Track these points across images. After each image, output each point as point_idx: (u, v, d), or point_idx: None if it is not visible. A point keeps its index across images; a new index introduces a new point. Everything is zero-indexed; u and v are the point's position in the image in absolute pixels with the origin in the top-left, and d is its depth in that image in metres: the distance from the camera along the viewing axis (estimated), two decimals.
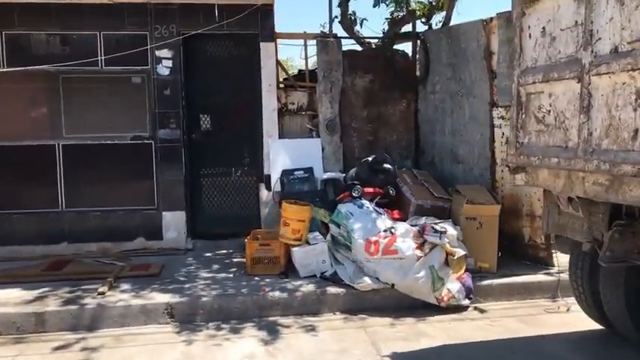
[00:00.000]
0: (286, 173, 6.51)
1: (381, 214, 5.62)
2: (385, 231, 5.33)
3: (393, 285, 5.16)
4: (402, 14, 8.32)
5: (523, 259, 5.86)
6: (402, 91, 7.21)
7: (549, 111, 3.88)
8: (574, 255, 4.52)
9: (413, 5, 7.79)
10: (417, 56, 7.17)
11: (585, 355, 4.22)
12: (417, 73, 7.28)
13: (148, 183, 6.74)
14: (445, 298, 5.08)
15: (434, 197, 6.13)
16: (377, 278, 5.21)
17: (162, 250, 6.68)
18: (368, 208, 5.60)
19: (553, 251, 5.73)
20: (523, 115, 4.15)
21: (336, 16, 7.91)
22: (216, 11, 6.32)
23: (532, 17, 4.04)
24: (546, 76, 3.83)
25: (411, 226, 5.35)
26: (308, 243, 5.67)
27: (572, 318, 4.94)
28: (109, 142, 6.64)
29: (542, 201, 5.60)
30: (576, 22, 3.59)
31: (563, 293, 5.42)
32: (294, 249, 5.62)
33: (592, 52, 3.38)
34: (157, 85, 6.60)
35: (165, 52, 6.56)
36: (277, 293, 5.16)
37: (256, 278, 5.60)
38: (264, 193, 6.79)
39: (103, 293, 5.14)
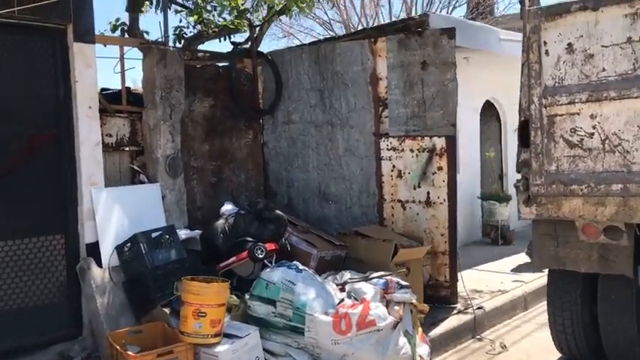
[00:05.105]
0: (144, 236, 4.34)
1: (318, 275, 4.27)
2: (349, 297, 4.04)
3: None
4: (194, 30, 6.93)
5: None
6: (248, 120, 5.84)
7: (591, 134, 3.56)
8: (556, 286, 4.29)
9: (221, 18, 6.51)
10: (262, 79, 5.92)
11: None
12: (261, 99, 6.00)
13: None
14: None
15: (334, 246, 5.08)
16: None
17: None
18: (307, 271, 4.16)
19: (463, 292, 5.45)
20: (545, 140, 3.71)
21: (123, 23, 6.02)
22: None
23: (550, 32, 3.69)
24: (592, 95, 3.50)
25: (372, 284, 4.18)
26: (227, 336, 3.84)
27: (522, 355, 4.75)
28: None
29: (445, 236, 5.37)
30: (630, 38, 3.41)
31: (480, 330, 5.24)
32: (218, 349, 3.70)
33: None
34: None
35: None
36: None
37: None
38: (95, 274, 4.33)
39: None
